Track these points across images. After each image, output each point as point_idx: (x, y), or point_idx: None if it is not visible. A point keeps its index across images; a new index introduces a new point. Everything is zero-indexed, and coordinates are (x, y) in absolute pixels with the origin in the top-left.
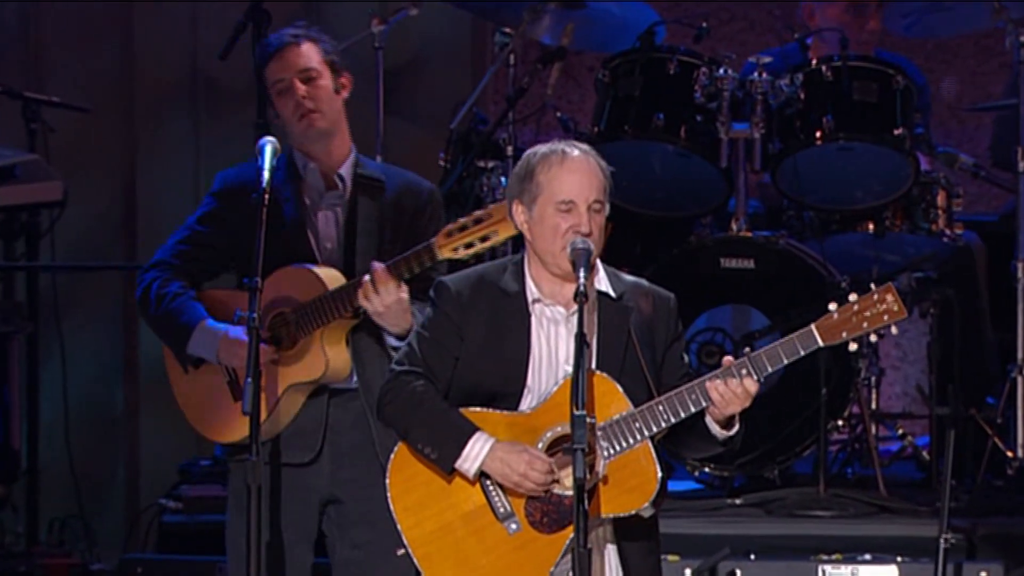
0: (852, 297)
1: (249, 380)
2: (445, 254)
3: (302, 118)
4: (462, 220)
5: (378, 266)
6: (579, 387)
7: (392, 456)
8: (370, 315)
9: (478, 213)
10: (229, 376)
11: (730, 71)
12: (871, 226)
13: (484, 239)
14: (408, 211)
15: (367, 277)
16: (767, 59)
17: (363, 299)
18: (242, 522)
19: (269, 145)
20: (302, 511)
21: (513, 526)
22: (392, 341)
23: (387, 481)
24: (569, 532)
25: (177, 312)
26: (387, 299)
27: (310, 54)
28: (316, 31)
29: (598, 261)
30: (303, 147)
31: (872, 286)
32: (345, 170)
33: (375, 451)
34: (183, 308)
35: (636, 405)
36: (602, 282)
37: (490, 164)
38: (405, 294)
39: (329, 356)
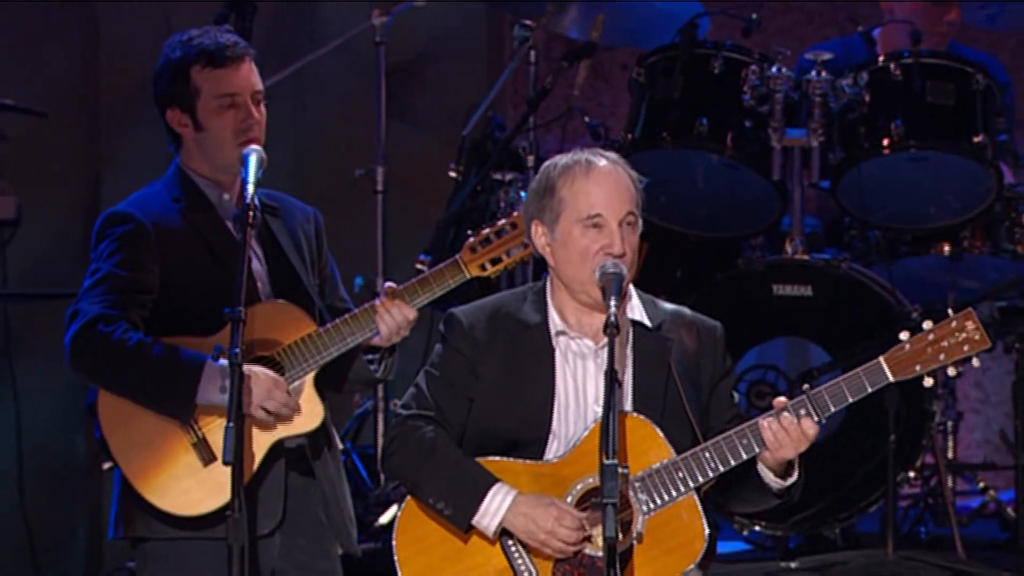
0: (927, 325)
1: (231, 425)
2: (473, 271)
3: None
4: (485, 231)
5: (392, 286)
6: (610, 432)
7: (399, 513)
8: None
9: (502, 223)
10: (196, 437)
11: (784, 69)
12: (947, 248)
13: (510, 252)
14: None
15: (378, 301)
16: (827, 55)
17: (380, 324)
18: None
19: (254, 155)
20: None
21: None
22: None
23: (393, 542)
24: None
25: (168, 360)
26: (402, 322)
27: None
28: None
29: (631, 286)
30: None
31: (949, 312)
32: None
33: (322, 516)
34: (174, 353)
35: (679, 452)
36: (636, 310)
37: (508, 176)
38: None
39: (323, 403)
